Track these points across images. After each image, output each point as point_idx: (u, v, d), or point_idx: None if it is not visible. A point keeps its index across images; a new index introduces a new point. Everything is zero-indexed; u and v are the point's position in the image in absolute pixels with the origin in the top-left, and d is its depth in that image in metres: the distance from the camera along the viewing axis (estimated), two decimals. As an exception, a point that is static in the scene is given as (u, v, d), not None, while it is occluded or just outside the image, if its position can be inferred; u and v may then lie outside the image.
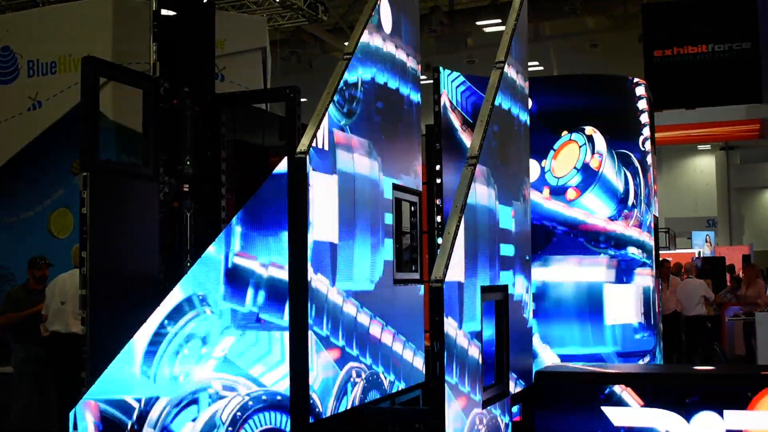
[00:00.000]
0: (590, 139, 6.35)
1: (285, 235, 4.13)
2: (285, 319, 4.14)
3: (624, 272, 6.47)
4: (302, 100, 5.62)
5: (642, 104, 6.88)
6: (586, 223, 6.38)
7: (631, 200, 6.51)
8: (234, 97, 6.22)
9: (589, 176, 6.30)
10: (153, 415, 4.09)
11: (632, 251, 6.55)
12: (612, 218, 6.45)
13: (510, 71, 5.05)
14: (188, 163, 5.45)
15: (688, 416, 4.91)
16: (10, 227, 9.70)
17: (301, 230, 3.98)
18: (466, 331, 4.01)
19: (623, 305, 6.42)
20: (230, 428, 4.11)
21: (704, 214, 29.92)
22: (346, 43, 4.68)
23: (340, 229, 4.26)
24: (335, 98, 4.27)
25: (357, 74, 4.51)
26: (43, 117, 9.61)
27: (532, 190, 6.17)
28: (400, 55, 5.14)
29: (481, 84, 6.47)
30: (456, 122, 6.24)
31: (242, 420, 4.13)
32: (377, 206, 4.72)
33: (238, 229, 4.19)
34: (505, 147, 4.91)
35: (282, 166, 4.12)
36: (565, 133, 6.39)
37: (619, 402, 5.06)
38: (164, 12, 5.54)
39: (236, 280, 4.18)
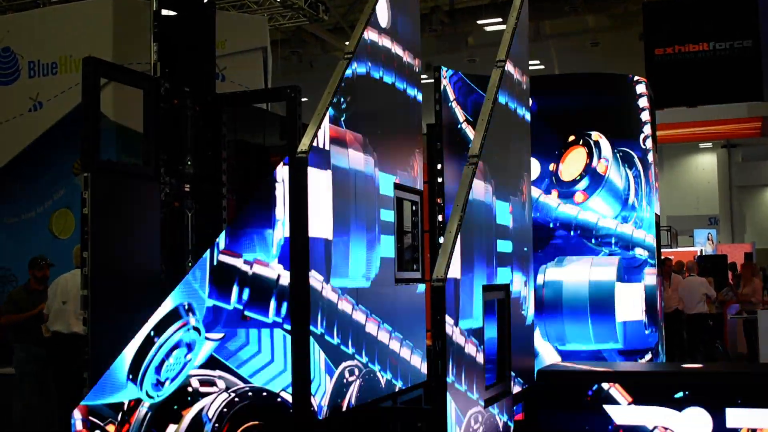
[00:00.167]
0: (597, 144, 6.56)
1: (269, 232, 4.13)
2: (270, 317, 4.15)
3: (625, 271, 6.51)
4: (303, 99, 5.62)
5: (642, 102, 6.89)
6: (590, 224, 6.53)
7: (632, 199, 6.58)
8: (235, 97, 6.21)
9: (596, 181, 6.54)
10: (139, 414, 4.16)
11: (634, 251, 6.60)
12: (615, 219, 6.55)
13: (510, 69, 5.05)
14: (189, 163, 5.44)
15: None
16: (11, 228, 9.71)
17: (302, 230, 3.97)
18: (463, 329, 4.00)
19: (627, 303, 6.49)
20: (217, 425, 4.13)
21: (706, 212, 29.93)
22: (347, 43, 4.68)
23: (335, 225, 4.25)
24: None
25: (352, 69, 4.51)
26: (44, 118, 9.61)
27: (542, 193, 6.27)
28: (398, 51, 5.14)
29: (481, 82, 6.52)
30: (459, 116, 6.33)
31: (228, 416, 4.14)
32: (373, 202, 4.71)
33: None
34: (504, 143, 4.91)
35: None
36: (572, 138, 6.58)
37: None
38: (165, 12, 5.53)
39: (221, 277, 4.20)
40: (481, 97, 6.48)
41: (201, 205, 5.53)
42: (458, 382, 3.91)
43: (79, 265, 5.98)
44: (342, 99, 4.38)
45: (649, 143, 6.89)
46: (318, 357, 4.07)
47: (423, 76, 5.65)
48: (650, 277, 6.72)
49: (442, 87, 6.21)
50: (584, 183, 6.54)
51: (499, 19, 19.90)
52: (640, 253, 6.63)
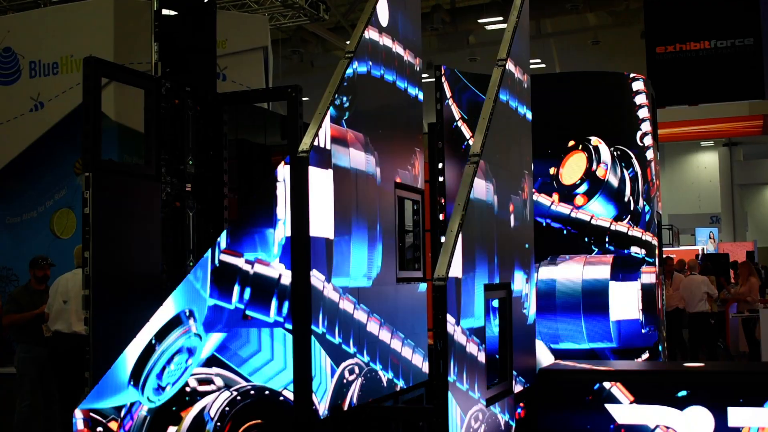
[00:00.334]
0: (596, 150, 6.64)
1: (270, 232, 4.13)
2: (271, 316, 4.15)
3: (620, 270, 6.53)
4: (304, 99, 5.61)
5: (640, 99, 6.89)
6: (584, 222, 6.57)
7: (627, 197, 6.63)
8: (236, 97, 6.21)
9: (595, 184, 6.64)
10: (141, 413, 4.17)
11: (633, 249, 6.62)
12: (615, 219, 6.58)
13: (511, 68, 5.05)
14: (190, 162, 5.44)
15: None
16: (12, 228, 9.72)
17: (303, 229, 3.97)
18: (464, 328, 4.00)
19: (622, 302, 6.50)
20: (219, 423, 4.13)
21: (708, 210, 29.92)
22: (348, 42, 4.67)
23: (336, 225, 4.25)
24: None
25: (353, 68, 4.51)
26: (45, 118, 9.63)
27: (535, 191, 6.29)
28: (398, 50, 5.14)
29: (476, 79, 6.54)
30: (455, 114, 6.35)
31: (231, 414, 4.14)
32: (374, 201, 4.71)
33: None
34: (505, 141, 4.90)
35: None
36: (572, 143, 6.65)
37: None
38: (165, 12, 5.53)
39: (223, 276, 4.20)
40: (476, 94, 6.52)
41: (202, 204, 5.53)
42: (460, 381, 3.91)
43: (80, 265, 5.98)
44: (343, 98, 4.37)
45: (647, 140, 6.88)
46: (319, 356, 4.07)
47: (424, 75, 5.64)
48: (648, 275, 6.72)
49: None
50: (584, 187, 6.61)
51: (500, 18, 19.90)
52: (636, 251, 6.63)
